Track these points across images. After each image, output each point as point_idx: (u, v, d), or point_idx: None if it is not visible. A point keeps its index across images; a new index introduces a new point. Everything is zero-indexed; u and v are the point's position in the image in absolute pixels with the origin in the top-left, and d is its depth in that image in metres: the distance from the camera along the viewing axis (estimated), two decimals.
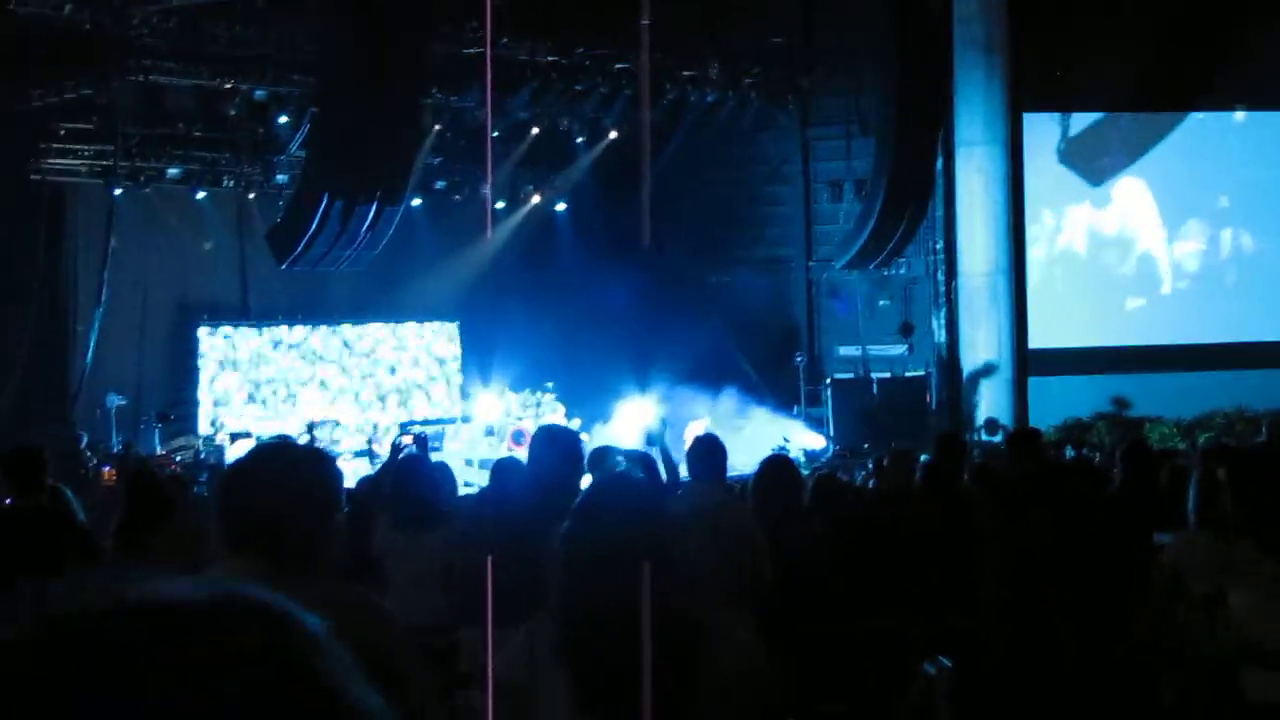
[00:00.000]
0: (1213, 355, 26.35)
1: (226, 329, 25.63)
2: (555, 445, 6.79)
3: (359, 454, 23.04)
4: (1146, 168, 26.97)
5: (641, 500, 3.93)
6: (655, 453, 9.75)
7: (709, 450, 8.20)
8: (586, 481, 7.76)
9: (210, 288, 26.05)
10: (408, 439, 21.60)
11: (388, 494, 8.94)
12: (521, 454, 10.70)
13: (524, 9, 23.31)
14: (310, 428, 23.08)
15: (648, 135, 22.57)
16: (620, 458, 8.41)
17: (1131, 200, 26.98)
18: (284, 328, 26.04)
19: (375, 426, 25.26)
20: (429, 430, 24.07)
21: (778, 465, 8.88)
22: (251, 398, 25.59)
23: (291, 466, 3.68)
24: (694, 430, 24.10)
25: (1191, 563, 6.81)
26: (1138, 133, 27.07)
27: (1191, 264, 27.32)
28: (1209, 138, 27.08)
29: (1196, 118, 27.03)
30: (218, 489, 3.74)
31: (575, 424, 22.03)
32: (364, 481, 11.87)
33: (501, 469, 8.27)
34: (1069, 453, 20.45)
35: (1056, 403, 24.72)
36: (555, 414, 23.97)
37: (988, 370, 24.85)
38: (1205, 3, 25.59)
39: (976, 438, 23.66)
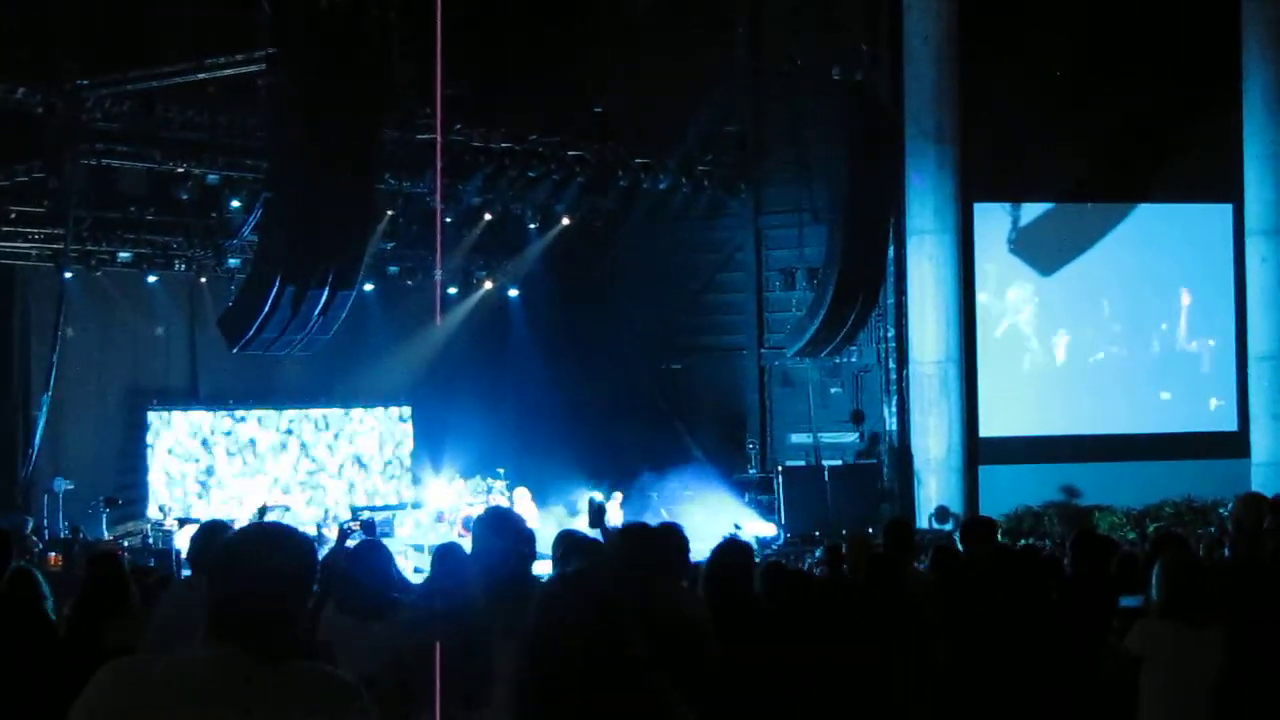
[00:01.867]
0: (1157, 445, 26.52)
1: (177, 413, 25.52)
2: (502, 529, 6.75)
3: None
4: (1094, 260, 27.13)
5: (606, 602, 3.95)
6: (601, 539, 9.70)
7: (669, 542, 8.17)
8: (541, 567, 7.75)
9: (161, 372, 25.94)
10: (356, 525, 21.52)
11: (335, 578, 8.88)
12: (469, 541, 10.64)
13: (478, 96, 23.46)
14: (261, 513, 22.94)
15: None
16: (579, 557, 8.36)
17: (1078, 291, 27.13)
18: (234, 412, 25.95)
19: (326, 511, 25.14)
20: (379, 515, 23.96)
21: (732, 550, 8.86)
22: (202, 483, 25.46)
23: (281, 548, 3.70)
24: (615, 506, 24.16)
25: (1157, 651, 6.85)
26: (1086, 224, 27.25)
27: (1139, 355, 27.46)
28: (1158, 230, 27.29)
29: (1145, 210, 27.24)
30: (214, 574, 3.72)
31: (525, 505, 22.03)
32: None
33: (443, 555, 8.22)
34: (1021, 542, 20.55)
35: (1006, 491, 24.80)
36: (520, 500, 23.80)
37: (939, 459, 24.95)
38: (1153, 98, 25.88)
39: (928, 525, 23.75)
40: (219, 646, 3.53)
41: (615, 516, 23.24)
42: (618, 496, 24.06)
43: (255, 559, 3.65)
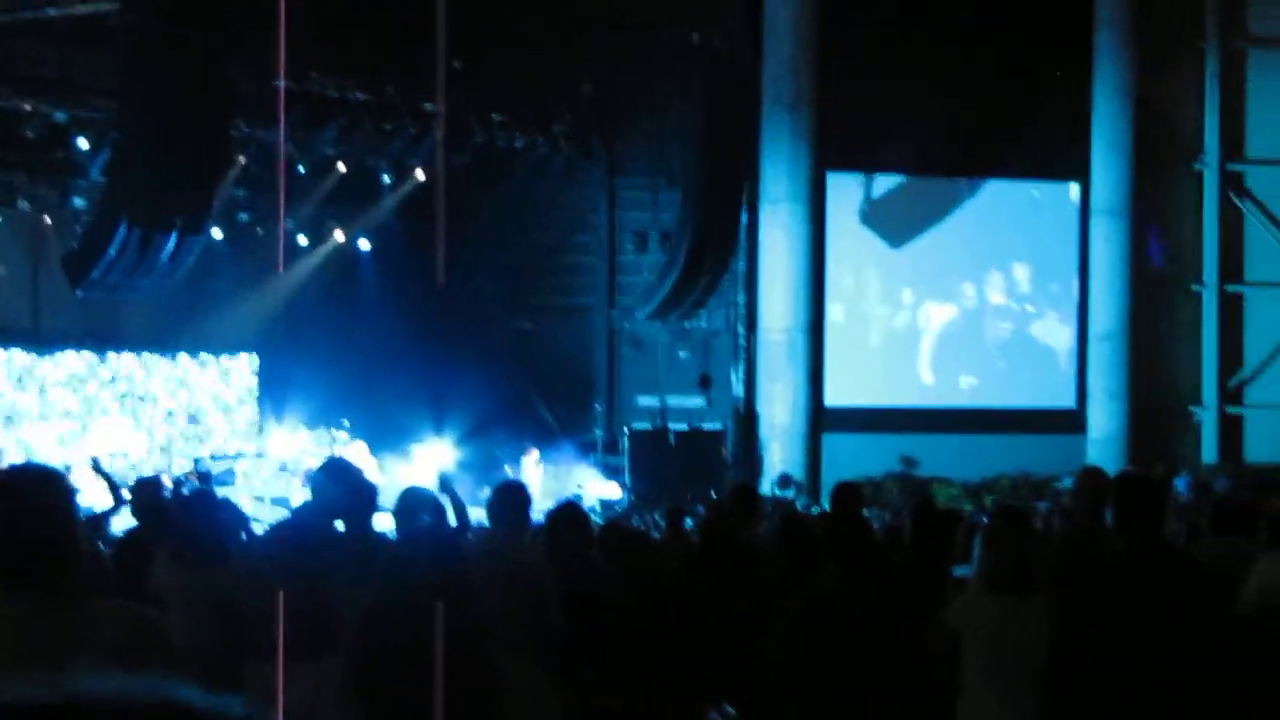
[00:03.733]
0: (996, 420, 26.97)
1: (17, 352, 24.98)
2: (340, 480, 6.71)
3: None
4: (943, 233, 27.44)
5: (447, 554, 3.95)
6: (445, 499, 9.66)
7: (511, 498, 8.17)
8: (381, 520, 7.70)
9: (1, 310, 25.41)
10: (195, 475, 21.27)
11: (168, 527, 8.76)
12: None
13: (335, 45, 23.16)
14: (95, 463, 22.53)
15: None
16: (425, 515, 8.33)
17: (927, 265, 27.43)
18: (74, 354, 25.45)
19: (166, 459, 24.79)
20: (220, 465, 23.70)
21: (569, 513, 8.86)
22: (39, 423, 24.97)
23: (35, 489, 3.64)
24: (532, 467, 24.21)
25: (977, 622, 6.85)
26: (937, 198, 27.56)
27: (983, 330, 27.82)
28: (1006, 206, 27.65)
29: (994, 185, 27.59)
30: None
31: (366, 460, 21.90)
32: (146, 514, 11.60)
33: (299, 512, 8.17)
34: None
35: (848, 460, 25.04)
36: (355, 453, 23.66)
37: (784, 426, 25.15)
38: (1007, 74, 26.19)
39: (771, 492, 23.92)
40: (6, 594, 3.46)
41: (533, 475, 23.38)
42: (534, 453, 24.21)
43: (14, 501, 3.59)
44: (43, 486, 3.67)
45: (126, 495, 11.69)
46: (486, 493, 8.62)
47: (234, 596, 7.22)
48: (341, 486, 6.65)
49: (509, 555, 7.70)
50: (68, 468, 16.52)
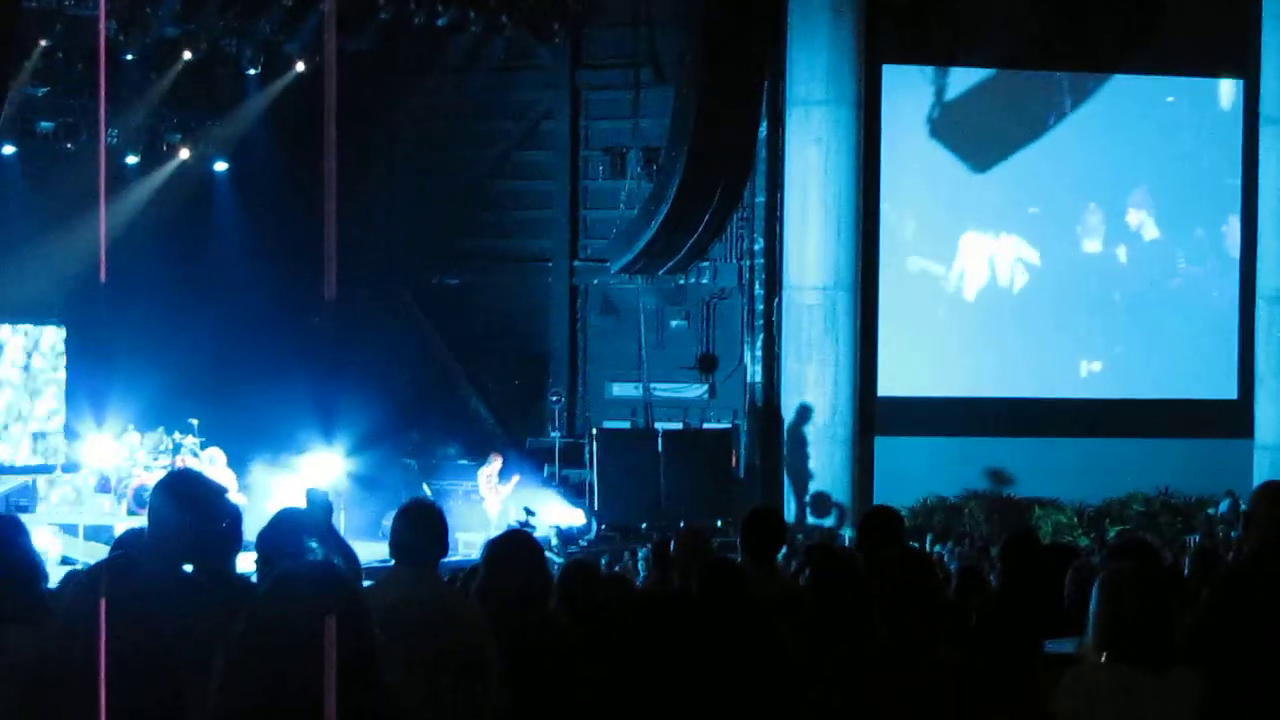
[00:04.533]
0: (1129, 417, 26.93)
1: None
2: (188, 503, 6.70)
3: None
4: (1042, 152, 27.36)
5: (344, 603, 3.99)
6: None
7: (425, 523, 8.17)
8: (244, 561, 7.71)
9: None
10: None
11: None
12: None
13: None
14: None
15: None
16: (314, 542, 8.33)
17: (1019, 196, 27.39)
18: None
19: None
20: (10, 481, 23.69)
21: (513, 544, 8.88)
22: None
23: None
24: (490, 486, 24.28)
25: (1097, 709, 6.82)
26: (1033, 102, 27.46)
27: (1101, 291, 27.71)
28: (1130, 113, 27.54)
29: (1114, 84, 27.46)
30: None
31: (220, 473, 21.91)
32: None
33: (127, 545, 8.15)
34: (937, 549, 20.82)
35: (911, 473, 25.03)
36: (208, 465, 23.64)
37: (819, 424, 25.14)
38: None
39: (801, 518, 23.96)
40: None
41: (491, 492, 23.47)
42: (496, 462, 24.29)
43: None
44: None
45: None
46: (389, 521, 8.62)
47: (43, 662, 7.22)
48: (190, 512, 6.65)
49: (425, 605, 7.71)
50: None
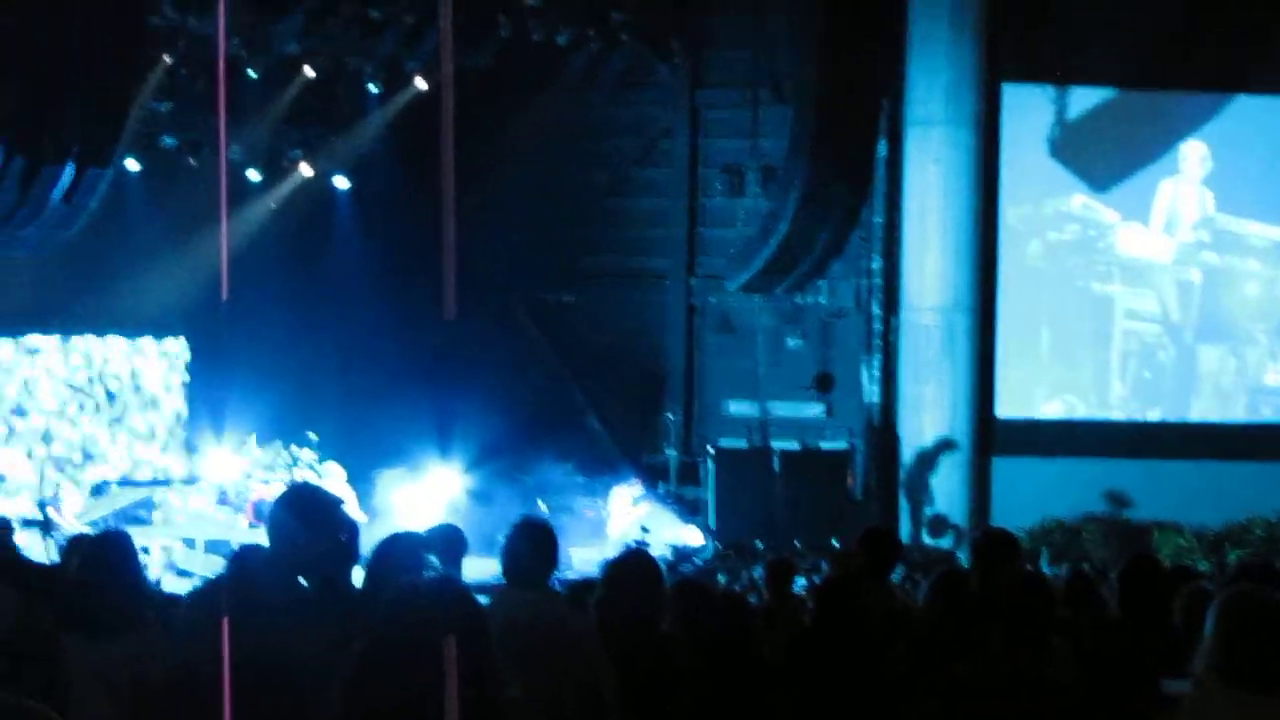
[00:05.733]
0: (1249, 440, 26.72)
1: None
2: (309, 517, 6.71)
3: (29, 524, 22.65)
4: (1166, 171, 27.20)
5: (466, 619, 3.99)
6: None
7: (537, 541, 8.16)
8: (359, 575, 7.72)
9: None
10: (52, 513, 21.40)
11: (62, 582, 8.81)
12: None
13: None
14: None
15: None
16: (434, 557, 8.31)
17: (1142, 215, 27.24)
18: None
19: (57, 486, 24.94)
20: (131, 496, 23.81)
21: (632, 564, 8.87)
22: None
23: None
24: (622, 507, 24.34)
25: None
26: (1158, 121, 27.31)
27: (1227, 308, 27.51)
28: (1262, 128, 27.32)
29: (1242, 104, 27.30)
30: None
31: (338, 488, 21.97)
32: (40, 567, 11.71)
33: (240, 558, 8.16)
34: (1050, 570, 20.69)
35: (1030, 495, 24.92)
36: (326, 479, 23.73)
37: (939, 446, 25.05)
38: None
39: (918, 539, 23.89)
40: None
41: (624, 512, 23.54)
42: (635, 485, 24.37)
43: None
44: None
45: None
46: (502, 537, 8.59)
47: (144, 679, 7.23)
48: (310, 525, 6.66)
49: (543, 623, 7.71)
50: None
